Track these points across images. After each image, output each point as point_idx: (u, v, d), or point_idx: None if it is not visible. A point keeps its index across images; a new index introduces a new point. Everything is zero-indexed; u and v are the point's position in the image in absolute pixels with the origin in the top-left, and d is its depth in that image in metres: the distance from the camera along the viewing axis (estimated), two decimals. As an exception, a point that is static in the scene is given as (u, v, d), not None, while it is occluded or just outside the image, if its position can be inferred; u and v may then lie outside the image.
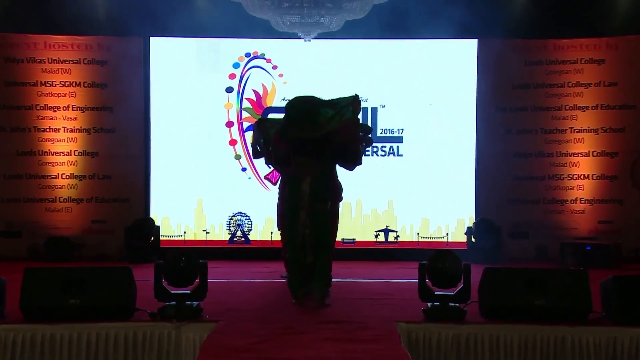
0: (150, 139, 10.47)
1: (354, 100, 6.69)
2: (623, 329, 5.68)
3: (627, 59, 10.32)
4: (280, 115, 8.31)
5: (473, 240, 10.07)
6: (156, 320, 5.76)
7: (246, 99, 10.53)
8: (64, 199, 10.39)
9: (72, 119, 10.38)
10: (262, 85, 10.52)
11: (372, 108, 10.49)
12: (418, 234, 10.47)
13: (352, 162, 6.99)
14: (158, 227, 10.18)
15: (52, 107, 10.34)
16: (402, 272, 8.85)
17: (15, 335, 5.55)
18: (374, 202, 10.50)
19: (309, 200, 6.53)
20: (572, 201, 10.45)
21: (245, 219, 10.48)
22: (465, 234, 10.23)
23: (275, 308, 6.55)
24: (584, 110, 10.41)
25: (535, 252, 10.25)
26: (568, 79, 10.44)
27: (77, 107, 10.38)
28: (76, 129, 10.39)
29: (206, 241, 10.42)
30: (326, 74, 10.40)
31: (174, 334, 5.66)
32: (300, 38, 8.77)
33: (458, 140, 10.48)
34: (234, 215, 10.49)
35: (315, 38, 8.82)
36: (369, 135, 8.01)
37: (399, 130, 10.51)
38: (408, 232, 10.49)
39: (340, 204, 7.37)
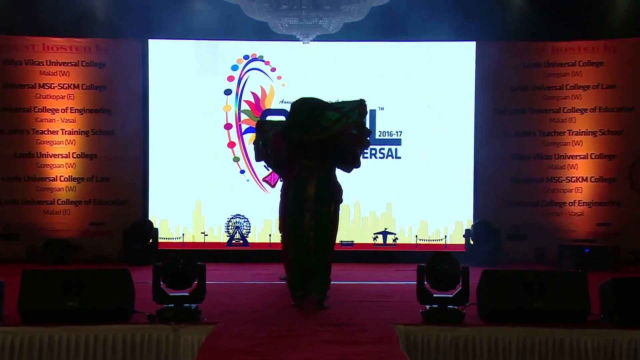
0: (148, 141, 10.46)
1: (360, 104, 6.71)
2: (622, 331, 5.68)
3: (625, 61, 10.33)
4: (280, 117, 8.34)
5: (471, 242, 10.07)
6: (154, 322, 5.75)
7: (244, 101, 10.53)
8: (62, 201, 10.38)
9: (70, 121, 10.37)
10: (261, 87, 10.52)
11: (370, 110, 10.43)
12: (416, 236, 10.47)
13: (350, 164, 6.99)
14: (156, 229, 10.17)
15: (50, 110, 10.33)
16: (400, 274, 8.84)
17: (13, 337, 5.55)
18: (373, 205, 10.50)
19: (314, 202, 6.54)
20: (571, 203, 10.46)
21: (244, 221, 10.48)
22: (463, 236, 10.23)
23: (273, 310, 6.55)
24: (582, 113, 10.41)
25: (533, 255, 10.25)
26: (566, 81, 10.45)
27: (75, 109, 10.38)
28: (74, 131, 10.38)
29: (204, 243, 10.41)
30: (325, 76, 10.40)
31: (172, 336, 5.65)
32: (298, 40, 8.76)
33: (456, 143, 10.48)
34: (232, 218, 10.49)
35: (314, 40, 8.81)
36: (367, 138, 8.00)
37: (397, 132, 10.51)
38: (407, 235, 10.49)
39: (340, 206, 7.36)
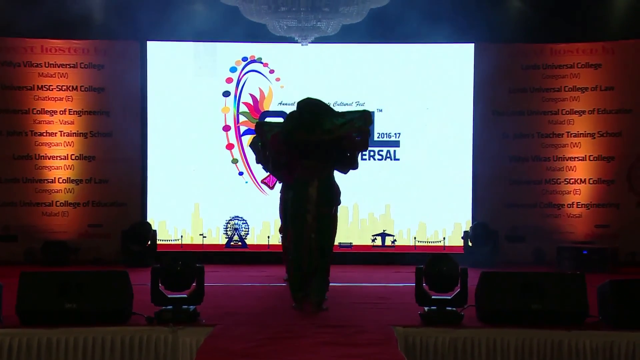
0: (147, 143, 10.46)
1: (365, 113, 6.73)
2: (620, 332, 5.68)
3: (623, 63, 10.34)
4: (279, 119, 8.33)
5: (470, 244, 10.08)
6: (153, 324, 5.75)
7: (243, 103, 10.53)
8: (60, 203, 10.37)
9: (68, 123, 10.37)
10: (259, 89, 10.53)
11: (369, 112, 10.48)
12: (415, 238, 10.47)
13: (348, 167, 6.99)
14: (155, 231, 10.16)
15: (48, 111, 10.33)
16: (399, 276, 8.85)
17: (11, 339, 5.54)
18: (371, 206, 10.50)
19: (316, 204, 6.54)
20: (569, 205, 10.46)
21: (242, 223, 10.47)
22: (462, 238, 10.24)
23: (272, 312, 6.56)
24: (581, 115, 10.43)
25: (532, 256, 10.25)
26: (565, 83, 10.46)
27: (73, 111, 10.38)
28: (73, 133, 10.38)
29: (203, 245, 10.41)
30: (323, 78, 10.41)
31: (170, 338, 5.65)
32: (297, 42, 8.77)
33: (455, 145, 10.48)
34: (230, 219, 10.48)
35: (312, 42, 8.81)
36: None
37: (396, 134, 10.51)
38: (405, 236, 10.49)
39: (338, 207, 7.36)
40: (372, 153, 10.46)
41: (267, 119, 9.99)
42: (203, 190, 10.47)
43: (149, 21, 9.93)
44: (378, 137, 10.47)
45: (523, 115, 10.54)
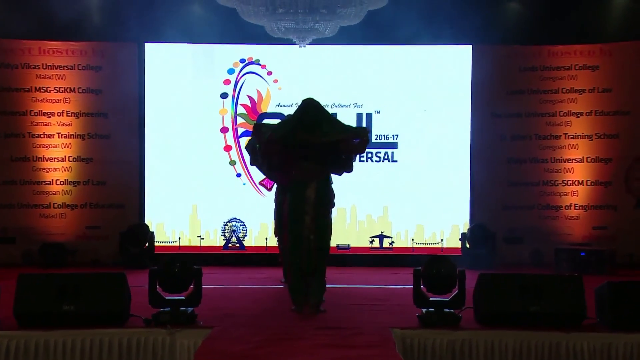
0: (144, 144, 10.46)
1: (363, 129, 6.84)
2: (617, 334, 5.68)
3: (621, 65, 10.36)
4: (276, 121, 8.31)
5: (468, 246, 10.08)
6: (151, 326, 5.74)
7: (241, 104, 10.53)
8: (58, 205, 10.37)
9: (66, 125, 10.37)
10: (257, 91, 10.53)
11: (366, 114, 10.50)
12: (413, 239, 10.47)
13: (343, 169, 6.98)
14: (152, 233, 10.17)
15: (46, 113, 10.33)
16: (397, 278, 8.85)
17: (9, 341, 5.53)
18: (369, 208, 10.50)
19: (314, 205, 6.54)
20: (567, 207, 10.48)
21: (240, 225, 10.47)
22: (460, 239, 10.25)
23: (270, 314, 6.55)
24: (578, 117, 10.44)
25: (529, 258, 10.26)
26: (562, 85, 10.48)
27: (71, 112, 10.37)
28: (70, 135, 10.38)
29: (201, 247, 10.41)
30: (321, 79, 10.41)
31: (168, 340, 5.64)
32: (295, 44, 8.77)
33: (452, 146, 10.49)
34: (228, 221, 10.48)
35: (310, 44, 8.82)
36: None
37: (393, 136, 10.52)
38: (403, 238, 10.49)
39: (334, 209, 7.34)
40: (370, 155, 10.46)
41: (265, 121, 9.98)
42: (201, 192, 10.47)
43: (147, 23, 9.94)
44: (376, 139, 10.47)
45: (521, 117, 10.55)
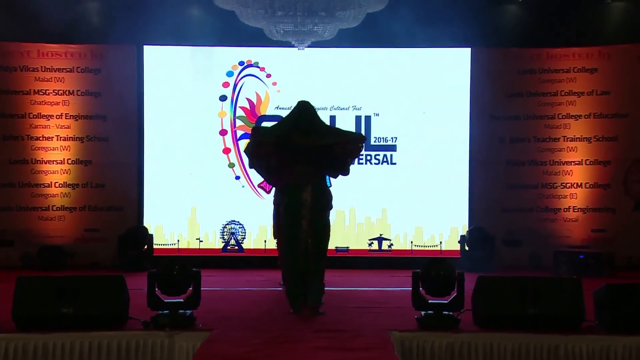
0: (143, 147, 10.45)
1: (359, 135, 6.84)
2: (616, 337, 5.68)
3: (619, 67, 10.36)
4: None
5: (467, 248, 10.08)
6: (149, 329, 5.74)
7: (240, 107, 10.53)
8: (57, 208, 10.37)
9: (65, 128, 10.36)
10: (256, 93, 10.53)
11: (365, 116, 10.51)
12: (412, 242, 10.47)
13: (339, 172, 6.99)
14: (151, 235, 10.16)
15: (45, 116, 10.33)
16: (395, 280, 8.84)
17: (7, 344, 5.53)
18: (368, 211, 10.50)
19: (311, 209, 6.54)
20: (565, 209, 10.48)
21: (239, 227, 10.47)
22: (458, 242, 10.24)
23: (269, 317, 6.54)
24: (577, 119, 10.45)
25: (528, 261, 10.26)
26: (561, 87, 10.49)
27: (70, 115, 10.37)
28: (69, 138, 10.38)
29: (200, 249, 10.40)
30: (320, 82, 10.42)
31: (167, 342, 5.64)
32: (293, 46, 8.78)
33: (451, 149, 10.49)
34: (227, 224, 10.47)
35: (309, 46, 8.83)
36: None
37: (392, 138, 10.52)
38: (402, 241, 10.49)
39: (332, 212, 7.34)
40: (368, 157, 10.46)
41: (264, 124, 9.98)
42: (200, 194, 10.46)
43: (145, 25, 9.93)
44: (375, 141, 10.48)
45: (519, 120, 10.56)
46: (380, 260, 10.37)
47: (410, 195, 10.44)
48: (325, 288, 6.90)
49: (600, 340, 5.68)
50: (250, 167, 8.35)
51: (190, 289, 6.04)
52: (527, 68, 10.53)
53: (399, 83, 10.52)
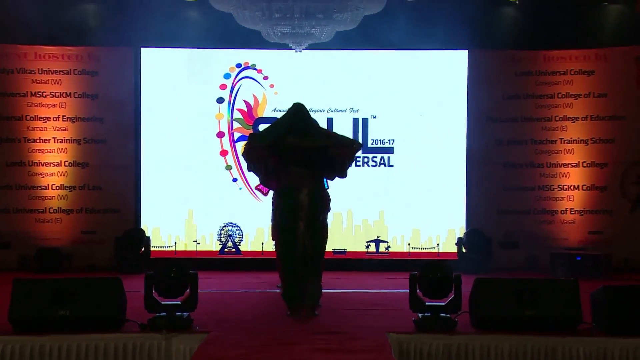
0: (140, 149, 10.44)
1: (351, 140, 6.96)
2: (613, 339, 5.68)
3: (616, 70, 10.38)
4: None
5: (464, 250, 10.09)
6: (146, 331, 5.73)
7: (237, 109, 10.53)
8: (53, 210, 10.35)
9: (62, 130, 10.35)
10: (253, 96, 10.53)
11: (362, 119, 10.51)
12: (409, 244, 10.47)
13: (336, 174, 6.99)
14: (148, 237, 10.15)
15: (42, 118, 10.31)
16: (393, 282, 8.84)
17: (4, 346, 5.52)
18: (365, 213, 10.50)
19: (308, 211, 6.53)
20: (562, 212, 10.48)
21: (236, 230, 10.46)
22: (456, 244, 10.25)
23: (266, 319, 6.54)
24: (574, 121, 10.46)
25: (525, 263, 10.26)
26: (558, 90, 10.50)
27: (67, 117, 10.36)
28: (66, 140, 10.36)
29: (197, 252, 10.39)
30: (317, 84, 10.43)
31: (164, 345, 5.63)
32: (291, 49, 8.79)
33: (448, 151, 10.50)
34: (224, 226, 10.47)
35: (306, 49, 8.84)
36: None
37: (389, 140, 10.52)
38: (399, 243, 10.49)
39: (330, 214, 7.34)
40: (366, 159, 10.47)
41: (261, 126, 10.00)
42: (197, 196, 10.46)
43: (143, 28, 9.92)
44: (372, 144, 10.49)
45: (516, 122, 10.57)
46: (377, 263, 10.36)
47: (408, 197, 10.45)
48: (323, 290, 6.90)
49: (597, 342, 5.68)
50: (249, 170, 8.38)
51: (188, 291, 6.03)
52: (524, 70, 10.54)
53: (396, 85, 10.52)
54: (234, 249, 10.46)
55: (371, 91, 10.51)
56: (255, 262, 10.25)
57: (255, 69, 10.54)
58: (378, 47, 10.36)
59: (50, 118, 10.33)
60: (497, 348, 5.68)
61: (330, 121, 10.37)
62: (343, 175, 6.93)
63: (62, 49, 10.36)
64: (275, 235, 8.00)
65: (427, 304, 6.05)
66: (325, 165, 6.76)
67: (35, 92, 10.31)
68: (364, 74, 10.53)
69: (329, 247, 7.36)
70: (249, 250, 10.45)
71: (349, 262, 10.30)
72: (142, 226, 10.34)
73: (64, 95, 10.36)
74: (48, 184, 10.35)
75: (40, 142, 10.32)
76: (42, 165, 10.33)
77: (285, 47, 8.80)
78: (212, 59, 10.61)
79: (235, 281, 9.21)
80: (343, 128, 10.07)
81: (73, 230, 10.35)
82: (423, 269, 6.08)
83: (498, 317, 5.89)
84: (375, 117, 10.52)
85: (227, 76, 10.53)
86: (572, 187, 10.47)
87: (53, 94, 10.34)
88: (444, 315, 5.95)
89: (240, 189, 10.47)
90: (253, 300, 7.77)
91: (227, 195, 10.46)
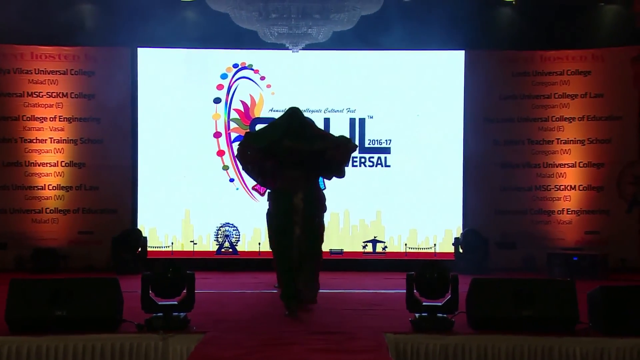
0: (137, 149, 10.43)
1: (347, 139, 6.95)
2: (610, 339, 5.69)
3: (612, 70, 10.39)
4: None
5: (461, 250, 10.10)
6: (143, 331, 5.73)
7: (234, 109, 10.53)
8: (50, 210, 10.34)
9: (59, 130, 10.34)
10: (250, 96, 10.53)
11: (359, 119, 10.51)
12: (406, 244, 10.48)
13: (334, 175, 7.00)
14: (145, 238, 10.14)
15: (38, 118, 10.30)
16: (390, 282, 8.84)
17: (1, 347, 5.51)
18: (362, 213, 10.50)
19: (303, 215, 6.54)
20: (559, 212, 10.49)
21: (233, 230, 10.46)
22: (453, 244, 10.25)
23: (263, 319, 6.54)
24: (571, 122, 10.47)
25: (522, 263, 10.26)
26: (554, 90, 10.51)
27: (64, 117, 10.35)
28: (63, 140, 10.35)
29: (194, 252, 10.38)
30: (314, 84, 10.43)
31: (161, 345, 5.63)
32: (288, 49, 8.79)
33: (445, 151, 10.50)
34: (221, 226, 10.46)
35: (303, 49, 8.84)
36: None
37: (386, 141, 10.52)
38: (396, 243, 10.49)
39: (326, 214, 7.34)
40: (363, 159, 10.47)
41: (258, 127, 9.99)
42: (194, 197, 10.45)
43: (140, 28, 9.92)
44: (369, 144, 10.49)
45: (513, 122, 10.57)
46: (374, 263, 10.36)
47: (405, 197, 10.45)
48: (320, 290, 6.92)
49: (594, 342, 5.69)
50: (244, 170, 8.38)
51: (184, 291, 6.04)
52: (521, 71, 10.55)
53: (393, 85, 10.52)
54: (230, 249, 10.46)
55: (368, 91, 10.51)
56: (252, 263, 10.24)
57: (252, 69, 10.54)
58: (375, 47, 10.36)
59: (46, 118, 10.32)
60: (494, 348, 5.68)
61: (327, 121, 10.37)
62: (341, 175, 6.93)
63: (59, 49, 10.35)
64: (271, 238, 8.01)
65: (424, 304, 6.05)
66: (324, 167, 6.77)
67: (31, 92, 10.29)
68: (360, 74, 10.54)
69: (325, 248, 7.38)
70: (246, 250, 10.45)
71: (346, 263, 10.30)
72: (139, 226, 10.33)
73: (61, 95, 10.35)
74: (45, 184, 10.33)
75: (36, 142, 10.30)
76: (39, 166, 10.32)
77: (282, 47, 8.80)
78: (209, 59, 10.61)
79: (232, 281, 9.21)
80: (340, 128, 10.07)
81: (70, 231, 10.34)
82: (420, 269, 6.08)
83: (495, 317, 5.89)
84: (372, 117, 10.52)
85: (224, 76, 10.52)
86: (568, 188, 10.48)
87: (50, 94, 10.33)
88: (440, 315, 5.95)
89: (237, 189, 10.46)
90: (250, 300, 7.77)
91: (224, 195, 10.45)
